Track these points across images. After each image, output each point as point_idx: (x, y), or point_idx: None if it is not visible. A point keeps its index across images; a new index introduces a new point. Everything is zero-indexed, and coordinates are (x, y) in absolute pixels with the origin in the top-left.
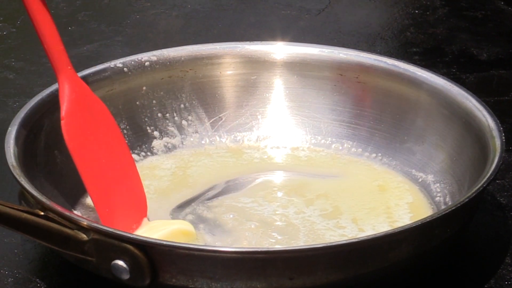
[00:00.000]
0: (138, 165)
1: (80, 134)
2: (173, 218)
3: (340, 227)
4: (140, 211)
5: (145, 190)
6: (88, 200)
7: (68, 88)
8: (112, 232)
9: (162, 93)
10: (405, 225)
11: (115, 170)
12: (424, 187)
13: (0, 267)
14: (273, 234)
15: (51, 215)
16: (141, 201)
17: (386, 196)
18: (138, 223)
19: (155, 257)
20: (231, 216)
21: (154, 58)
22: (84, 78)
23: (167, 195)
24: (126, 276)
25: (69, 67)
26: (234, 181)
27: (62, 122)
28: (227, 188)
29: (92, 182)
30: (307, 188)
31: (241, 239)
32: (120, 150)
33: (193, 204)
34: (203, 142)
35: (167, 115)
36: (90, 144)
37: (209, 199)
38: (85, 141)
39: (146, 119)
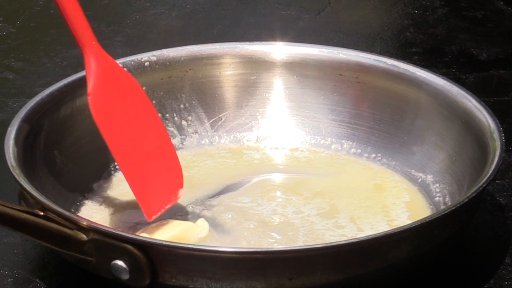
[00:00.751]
0: None
1: (108, 109)
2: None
3: (339, 227)
4: (176, 182)
5: None
6: (88, 200)
7: (95, 63)
8: (111, 232)
9: (161, 93)
10: (404, 225)
11: (147, 143)
12: (424, 187)
13: None
14: (272, 234)
15: (50, 215)
16: (176, 172)
17: (383, 195)
18: (174, 195)
19: (155, 257)
20: (230, 215)
21: (154, 58)
22: (84, 78)
23: None
24: (125, 276)
25: (94, 42)
26: (234, 181)
27: (89, 98)
28: (226, 188)
29: (123, 157)
30: (304, 187)
31: (240, 239)
32: (152, 122)
33: (192, 204)
34: (202, 142)
35: (167, 115)
36: (119, 118)
37: (208, 198)
38: (114, 116)
39: None
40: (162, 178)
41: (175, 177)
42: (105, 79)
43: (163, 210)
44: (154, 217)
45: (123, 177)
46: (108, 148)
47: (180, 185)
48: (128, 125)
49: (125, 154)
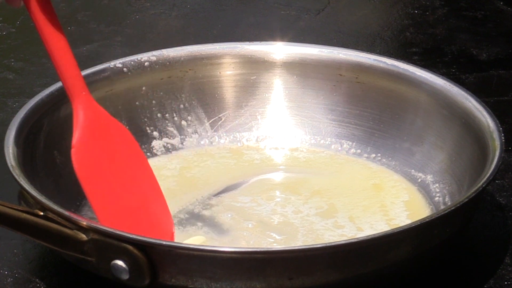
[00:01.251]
0: None
1: (91, 162)
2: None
3: (338, 227)
4: (166, 232)
5: None
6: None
7: (83, 114)
8: (111, 232)
9: (161, 93)
10: (404, 225)
11: (135, 195)
12: (423, 187)
13: None
14: (272, 234)
15: (50, 215)
16: (167, 222)
17: (382, 195)
18: (169, 238)
19: (155, 257)
20: (229, 215)
21: (154, 58)
22: (84, 78)
23: (175, 195)
24: (125, 276)
25: (84, 92)
26: (234, 181)
27: (72, 151)
28: (226, 188)
29: (103, 210)
30: (303, 186)
31: (239, 238)
32: (141, 172)
33: (191, 203)
34: (202, 142)
35: (167, 115)
36: (104, 171)
37: (207, 198)
38: (98, 169)
39: (145, 120)
40: (152, 225)
41: (165, 227)
42: (91, 132)
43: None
44: None
45: None
46: (89, 201)
47: (171, 236)
48: (112, 178)
49: (107, 207)
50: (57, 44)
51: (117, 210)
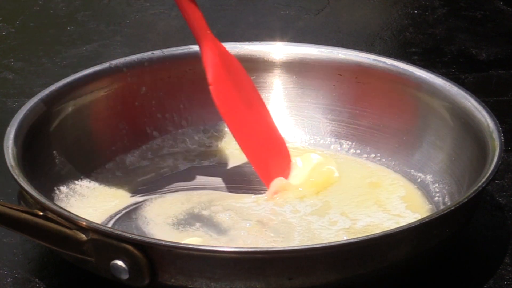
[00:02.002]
0: (140, 164)
1: (227, 97)
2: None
3: (333, 223)
4: (287, 159)
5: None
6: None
7: (211, 54)
8: (111, 232)
9: (161, 93)
10: (403, 225)
11: (261, 125)
12: (423, 187)
13: None
14: (270, 234)
15: (50, 215)
16: (284, 148)
17: (378, 191)
18: (288, 169)
19: (154, 257)
20: (228, 215)
21: (154, 58)
22: (83, 78)
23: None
24: (125, 276)
25: (208, 32)
26: (233, 181)
27: (211, 88)
28: (225, 187)
29: (245, 142)
30: (301, 186)
31: (237, 238)
32: (260, 104)
33: (190, 203)
34: (202, 142)
35: (167, 115)
36: (237, 105)
37: (206, 197)
38: (232, 103)
39: (145, 119)
40: (276, 156)
41: (285, 153)
42: (221, 68)
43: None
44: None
45: (122, 176)
46: (231, 133)
47: (289, 160)
48: (244, 111)
49: (246, 139)
50: None
51: (251, 137)
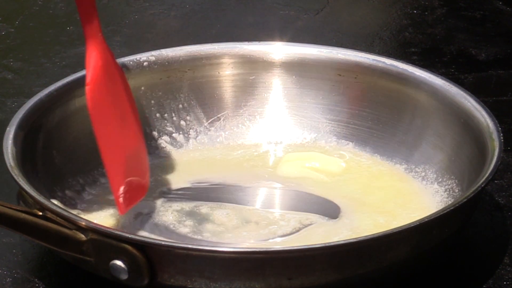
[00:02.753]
0: None
1: (101, 101)
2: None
3: (333, 223)
4: (145, 177)
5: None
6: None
7: (95, 55)
8: (110, 232)
9: (160, 93)
10: (403, 225)
11: (128, 137)
12: (423, 187)
13: None
14: (269, 233)
15: (49, 215)
16: (145, 167)
17: (377, 191)
18: (143, 190)
19: (154, 257)
20: (225, 213)
21: (153, 58)
22: (83, 78)
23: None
24: (124, 276)
25: (99, 34)
26: (233, 180)
27: (87, 88)
28: (225, 188)
29: (108, 151)
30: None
31: (237, 238)
32: (134, 117)
33: (188, 203)
34: (201, 142)
35: (166, 115)
36: (109, 112)
37: (206, 197)
38: (106, 109)
39: (144, 119)
40: (136, 173)
41: (144, 172)
42: (103, 72)
43: (134, 204)
44: (125, 211)
45: None
46: (96, 136)
47: (147, 181)
48: (116, 119)
49: (110, 148)
50: None
51: (119, 153)
